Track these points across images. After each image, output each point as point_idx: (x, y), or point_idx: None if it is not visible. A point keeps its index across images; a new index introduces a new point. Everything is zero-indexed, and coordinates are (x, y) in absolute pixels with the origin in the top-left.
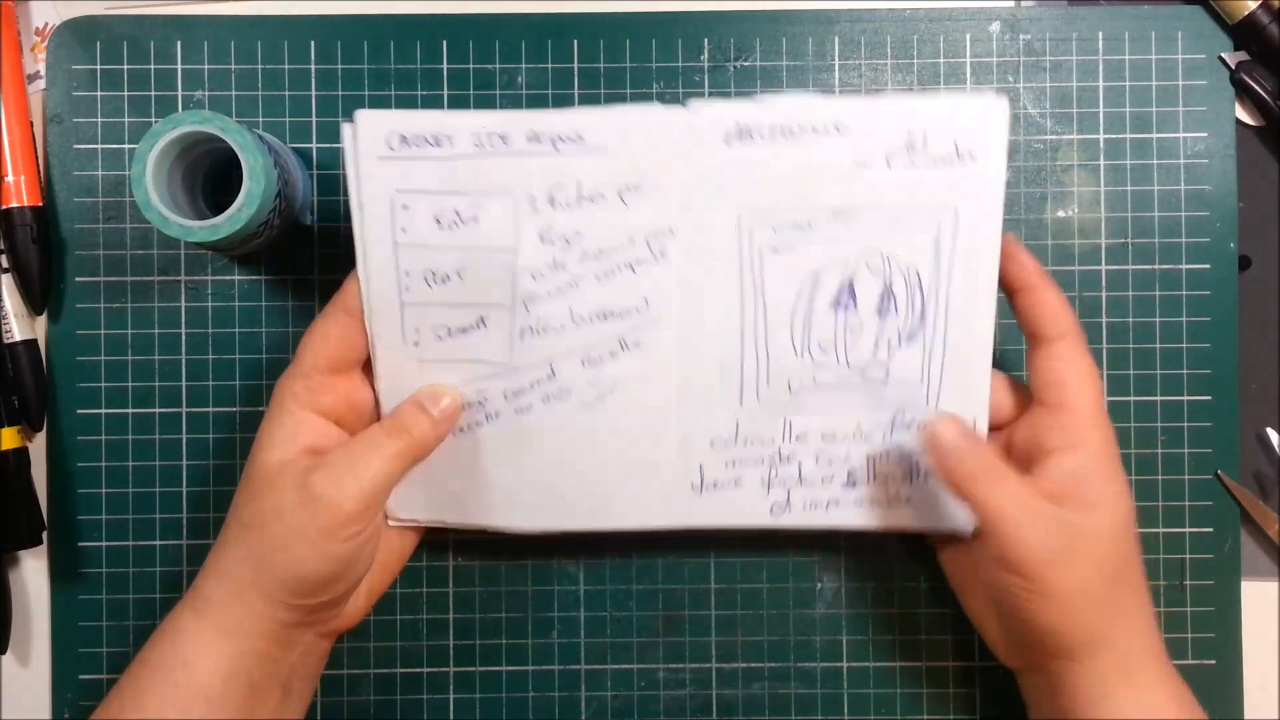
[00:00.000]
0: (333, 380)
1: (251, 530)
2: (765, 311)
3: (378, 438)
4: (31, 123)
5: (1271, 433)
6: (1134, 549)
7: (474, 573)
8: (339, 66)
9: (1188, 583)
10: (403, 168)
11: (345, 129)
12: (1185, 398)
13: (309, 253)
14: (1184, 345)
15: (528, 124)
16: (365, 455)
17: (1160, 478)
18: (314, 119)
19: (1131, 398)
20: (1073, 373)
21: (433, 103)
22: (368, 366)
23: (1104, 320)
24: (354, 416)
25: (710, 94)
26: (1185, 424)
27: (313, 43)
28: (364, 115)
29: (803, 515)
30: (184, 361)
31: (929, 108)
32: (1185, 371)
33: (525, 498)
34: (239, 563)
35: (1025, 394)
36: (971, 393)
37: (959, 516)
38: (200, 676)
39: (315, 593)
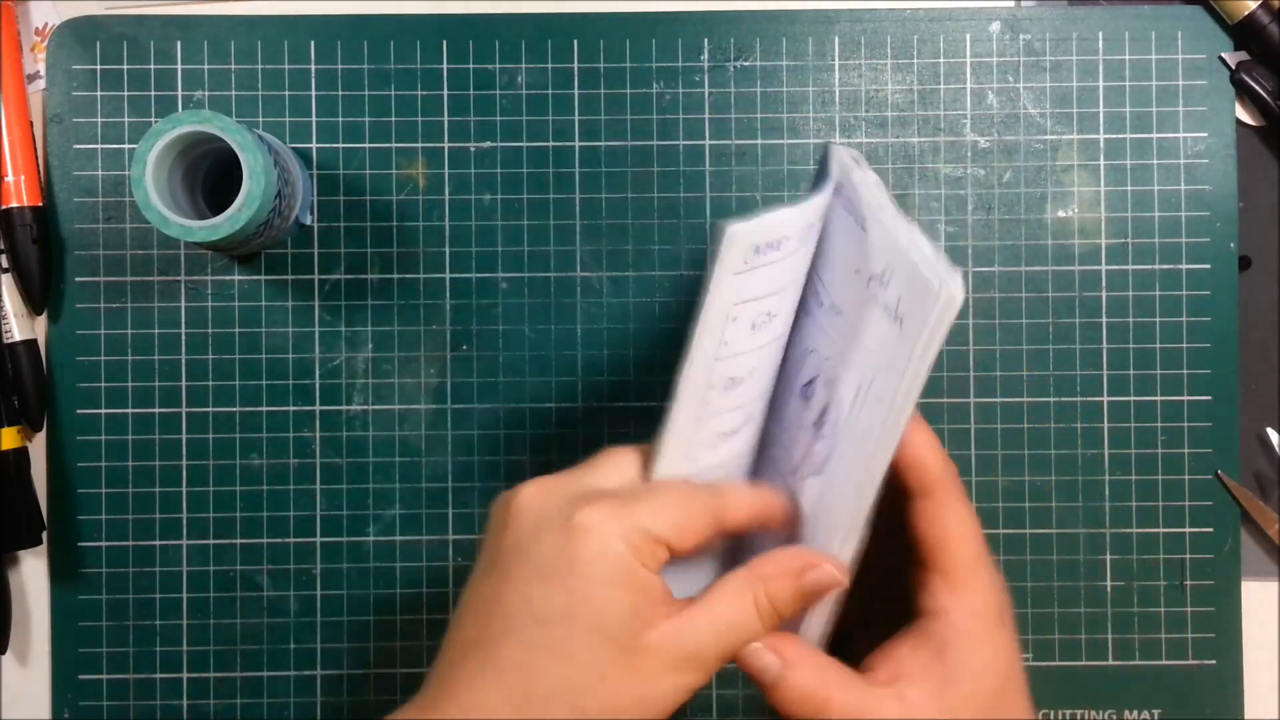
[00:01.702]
0: (662, 551)
1: (573, 698)
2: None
3: (747, 604)
4: (31, 123)
5: (1271, 433)
6: (1018, 703)
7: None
8: (339, 66)
9: (1188, 583)
10: (747, 279)
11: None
12: (1185, 398)
13: (309, 253)
14: (1184, 345)
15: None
16: (732, 616)
17: (1160, 478)
18: (314, 119)
19: (1131, 398)
20: (949, 529)
21: (433, 103)
22: None
23: (1104, 320)
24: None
25: (710, 94)
26: (1185, 424)
27: (313, 43)
28: (734, 231)
29: None
30: (184, 361)
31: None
32: (1185, 371)
33: None
34: None
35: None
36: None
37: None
38: None
39: None
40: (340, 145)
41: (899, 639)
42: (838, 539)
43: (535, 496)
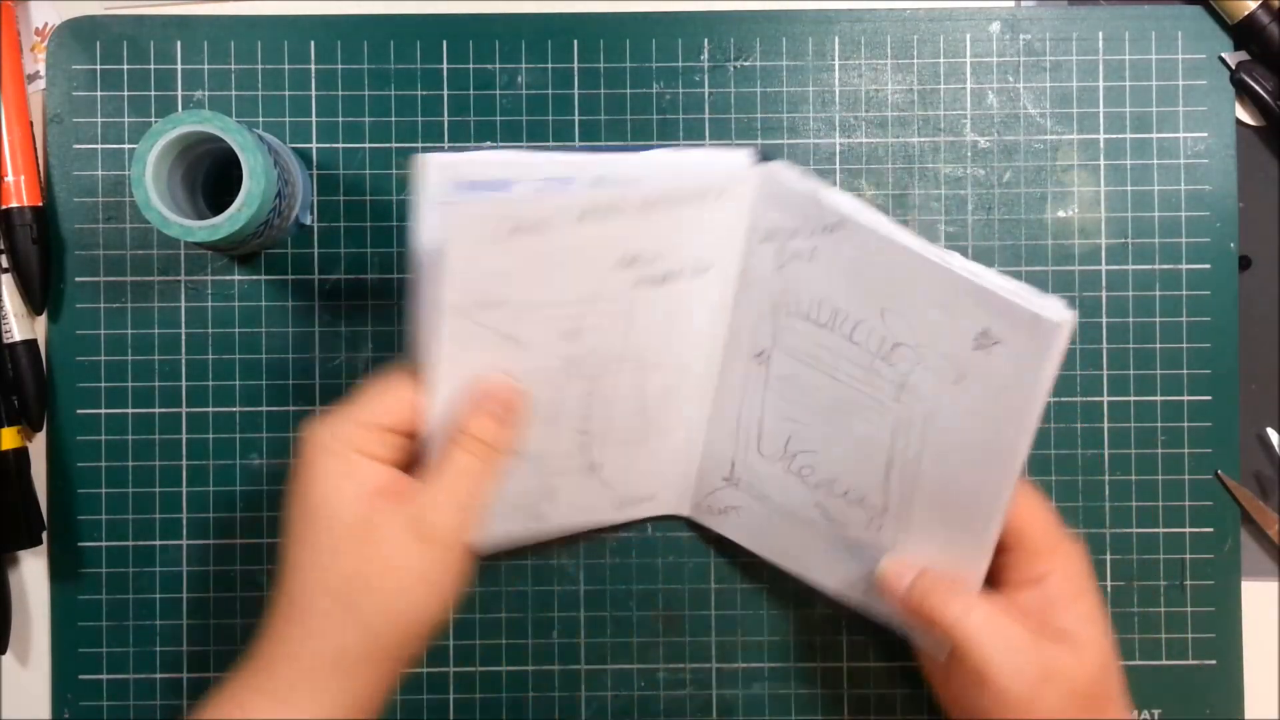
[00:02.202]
0: (392, 437)
1: (352, 593)
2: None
3: (466, 461)
4: (31, 123)
5: (1271, 433)
6: (1114, 684)
7: (474, 573)
8: (339, 66)
9: (1188, 583)
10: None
11: None
12: (1185, 398)
13: (309, 253)
14: (1184, 345)
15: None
16: (464, 481)
17: (1160, 478)
18: (314, 119)
19: (1131, 398)
20: (1025, 519)
21: (433, 103)
22: None
23: (1104, 320)
24: (403, 466)
25: (710, 94)
26: (1185, 424)
27: (313, 43)
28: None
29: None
30: (184, 361)
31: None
32: (1185, 371)
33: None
34: (342, 636)
35: None
36: (966, 564)
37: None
38: None
39: (429, 638)
40: (340, 145)
41: (1004, 611)
42: (970, 554)
43: (310, 429)
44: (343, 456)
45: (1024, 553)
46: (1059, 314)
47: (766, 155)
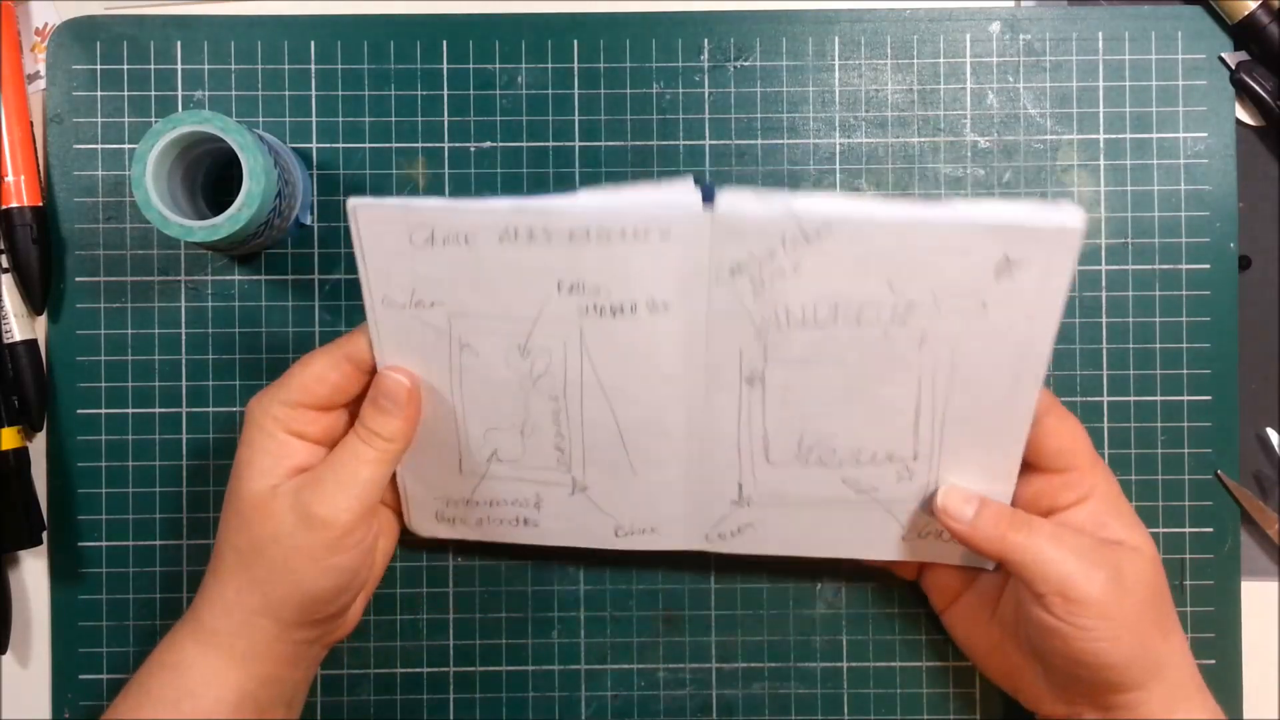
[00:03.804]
0: (317, 415)
1: (250, 557)
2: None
3: (357, 448)
4: (31, 123)
5: (1271, 433)
6: (1165, 578)
7: (474, 573)
8: (339, 66)
9: (1188, 583)
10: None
11: None
12: (1185, 398)
13: (309, 253)
14: (1184, 345)
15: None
16: (351, 466)
17: (1160, 478)
18: (314, 119)
19: (1131, 398)
20: (1067, 440)
21: (433, 103)
22: (352, 403)
23: (1104, 320)
24: (332, 442)
25: (710, 94)
26: (1185, 424)
27: (313, 43)
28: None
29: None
30: (184, 361)
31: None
32: (1185, 371)
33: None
34: (243, 591)
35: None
36: (998, 478)
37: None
38: (208, 706)
39: (325, 607)
40: (340, 145)
41: (1066, 528)
42: (991, 475)
43: (252, 406)
44: (270, 433)
45: (1073, 473)
46: (1074, 218)
47: (708, 186)
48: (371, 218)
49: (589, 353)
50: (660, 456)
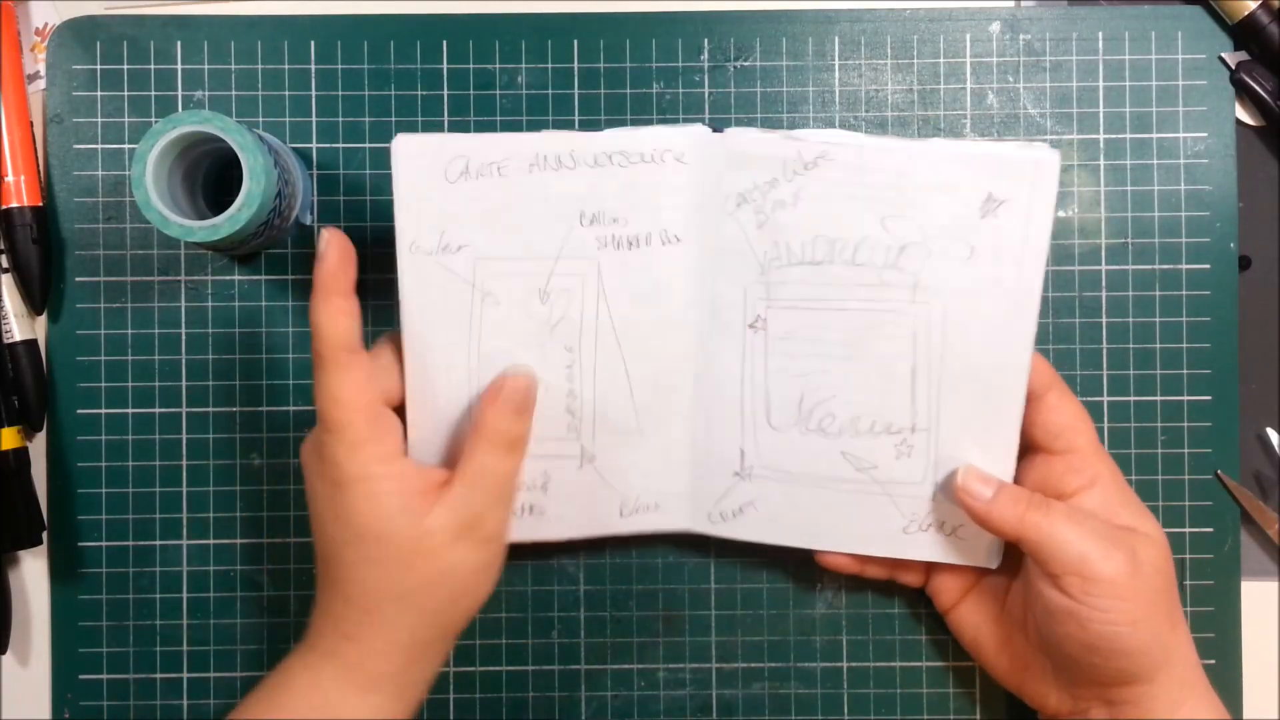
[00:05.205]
0: (388, 434)
1: (422, 596)
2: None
3: (496, 461)
4: (31, 123)
5: (1271, 433)
6: (1174, 568)
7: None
8: (339, 66)
9: (1187, 583)
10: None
11: None
12: (1185, 398)
13: (309, 253)
14: (1184, 345)
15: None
16: (495, 480)
17: (1160, 478)
18: (314, 119)
19: (1131, 398)
20: (1070, 417)
21: (433, 103)
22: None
23: (1104, 320)
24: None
25: (710, 94)
26: (1185, 424)
27: (313, 43)
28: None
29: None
30: (184, 361)
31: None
32: (1185, 371)
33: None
34: (417, 630)
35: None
36: (997, 446)
37: (981, 551)
38: None
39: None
40: (340, 145)
41: (1080, 511)
42: (992, 450)
43: (331, 463)
44: (370, 480)
45: (1075, 455)
46: (1050, 153)
47: (719, 129)
48: (410, 152)
49: (605, 293)
50: (668, 414)
